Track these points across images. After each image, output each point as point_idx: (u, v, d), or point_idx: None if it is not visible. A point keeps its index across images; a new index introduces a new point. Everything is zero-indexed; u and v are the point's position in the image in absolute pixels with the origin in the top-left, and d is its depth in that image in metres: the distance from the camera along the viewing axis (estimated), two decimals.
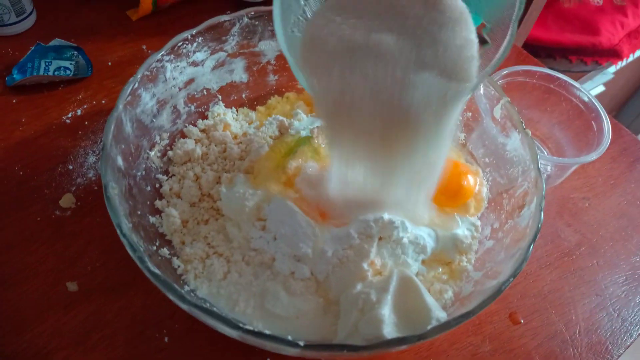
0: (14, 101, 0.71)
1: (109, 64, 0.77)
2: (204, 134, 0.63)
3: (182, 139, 0.61)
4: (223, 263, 0.51)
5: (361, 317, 0.44)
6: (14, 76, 0.72)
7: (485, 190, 0.59)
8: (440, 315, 0.44)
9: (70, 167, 0.64)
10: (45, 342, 0.52)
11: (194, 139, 0.62)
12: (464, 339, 0.57)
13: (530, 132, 0.53)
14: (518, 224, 0.50)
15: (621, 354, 0.60)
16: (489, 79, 0.58)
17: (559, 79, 0.74)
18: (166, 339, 0.53)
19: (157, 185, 0.58)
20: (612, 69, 1.41)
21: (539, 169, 0.51)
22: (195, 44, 0.59)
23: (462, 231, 0.55)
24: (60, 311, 0.54)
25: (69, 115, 0.70)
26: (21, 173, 0.63)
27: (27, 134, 0.68)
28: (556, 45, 1.34)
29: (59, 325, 0.53)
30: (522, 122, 0.54)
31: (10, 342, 0.51)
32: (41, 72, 0.73)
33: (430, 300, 0.46)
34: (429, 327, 0.40)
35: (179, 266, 0.51)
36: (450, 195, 0.57)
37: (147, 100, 0.56)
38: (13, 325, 0.52)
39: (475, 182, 0.60)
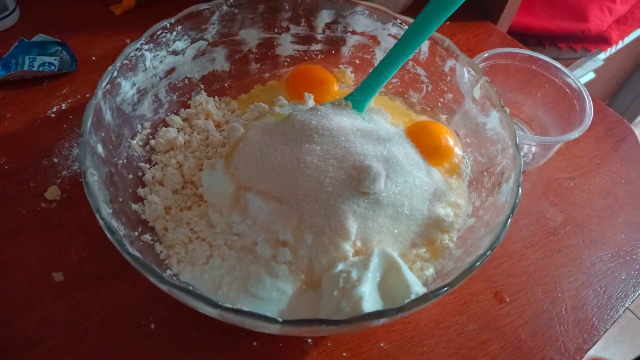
0: None
1: (93, 58, 0.78)
2: (186, 122, 0.63)
3: (164, 128, 0.61)
4: (206, 248, 0.51)
5: (342, 296, 0.45)
6: None
7: (461, 154, 0.61)
8: (419, 290, 0.45)
9: (55, 160, 0.65)
10: (33, 331, 0.52)
11: (177, 128, 0.62)
12: (450, 318, 0.57)
13: (508, 110, 0.54)
14: (497, 201, 0.51)
15: (607, 329, 0.60)
16: (469, 61, 0.58)
17: (540, 60, 0.74)
18: (152, 326, 0.53)
19: (140, 174, 0.58)
20: (602, 55, 1.41)
21: (517, 145, 0.51)
22: (174, 33, 0.59)
23: (444, 210, 0.55)
24: (47, 301, 0.54)
25: (54, 109, 0.70)
26: (6, 167, 0.64)
27: (12, 128, 0.68)
28: (545, 32, 1.34)
29: (47, 315, 0.53)
30: (500, 101, 0.55)
31: None
32: (25, 68, 0.73)
33: (410, 276, 0.46)
34: (407, 301, 0.40)
35: (161, 251, 0.51)
36: (428, 154, 0.59)
37: (127, 89, 0.56)
38: (1, 316, 0.53)
39: (455, 143, 0.61)
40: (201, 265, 0.50)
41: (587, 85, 0.73)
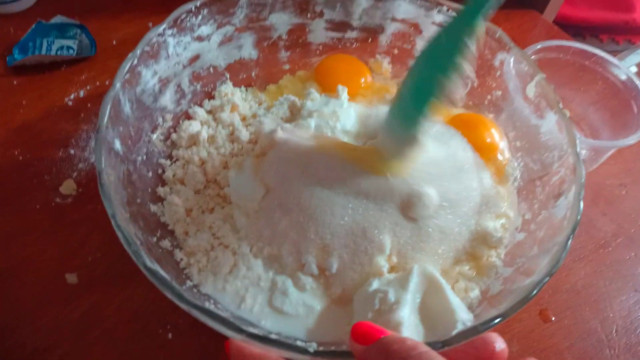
0: (15, 82, 0.68)
1: (114, 42, 0.74)
2: (210, 115, 0.59)
3: (186, 121, 0.57)
4: (229, 256, 0.47)
5: (378, 318, 0.40)
6: (15, 56, 0.69)
7: (508, 155, 0.56)
8: (466, 317, 0.40)
9: (72, 151, 0.61)
10: (43, 338, 0.49)
11: (200, 121, 0.57)
12: None
13: (568, 113, 0.48)
14: (553, 215, 0.46)
15: None
16: (523, 54, 0.53)
17: (595, 55, 0.68)
18: (170, 335, 0.50)
19: (160, 171, 0.54)
20: None
21: (577, 153, 0.46)
22: (200, 17, 0.55)
23: (492, 223, 0.50)
24: (59, 305, 0.51)
25: (72, 97, 0.67)
26: (20, 158, 0.60)
27: (27, 116, 0.65)
28: (585, 24, 1.27)
29: (58, 319, 0.50)
30: (559, 102, 0.49)
31: (7, 338, 0.49)
32: (43, 52, 0.70)
33: (454, 299, 0.41)
34: (454, 332, 0.36)
35: (181, 259, 0.47)
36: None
37: (148, 78, 0.52)
38: (11, 320, 0.50)
39: (501, 137, 0.56)
40: (224, 276, 0.46)
41: None
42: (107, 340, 0.49)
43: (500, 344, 0.34)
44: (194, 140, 0.55)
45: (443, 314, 0.40)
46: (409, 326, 0.39)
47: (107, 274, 0.53)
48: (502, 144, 0.56)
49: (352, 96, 0.60)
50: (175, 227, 0.50)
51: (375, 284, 0.43)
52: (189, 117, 0.58)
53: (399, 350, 0.30)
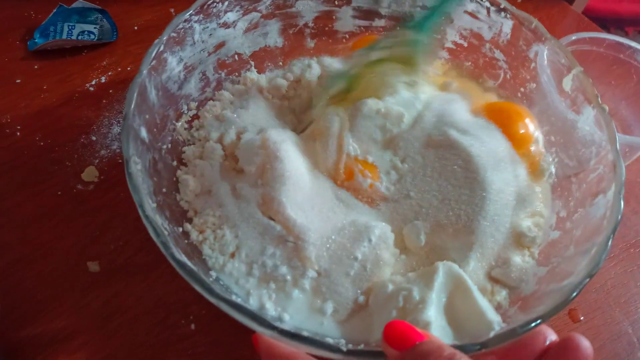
0: (36, 67, 0.67)
1: (135, 28, 0.73)
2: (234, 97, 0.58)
3: (211, 101, 0.56)
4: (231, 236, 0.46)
5: (404, 317, 0.39)
6: (36, 40, 0.68)
7: (542, 149, 0.54)
8: (495, 319, 0.38)
9: (94, 138, 0.60)
10: (63, 325, 0.48)
11: (224, 103, 0.56)
12: None
13: (607, 108, 0.46)
14: (591, 214, 0.44)
15: None
16: (559, 45, 0.51)
17: (631, 47, 0.66)
18: (192, 326, 0.49)
19: (184, 159, 0.53)
20: None
21: (617, 150, 0.44)
22: (226, 3, 0.53)
23: (526, 222, 0.48)
24: (79, 292, 0.50)
25: (93, 82, 0.66)
26: (41, 143, 0.60)
27: (48, 102, 0.64)
28: (613, 15, 1.24)
29: (78, 308, 0.50)
30: (597, 96, 0.47)
31: (26, 325, 0.48)
32: (64, 36, 0.69)
33: (483, 302, 0.40)
34: (491, 334, 0.34)
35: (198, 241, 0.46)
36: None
37: (174, 65, 0.50)
38: (30, 306, 0.49)
39: (536, 128, 0.54)
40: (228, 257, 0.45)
41: None
42: (128, 331, 0.49)
43: (551, 335, 0.34)
44: (218, 120, 0.54)
45: (471, 315, 0.39)
46: (436, 327, 0.38)
47: (129, 263, 0.52)
48: (537, 135, 0.54)
49: None
50: (189, 208, 0.49)
51: (398, 279, 0.42)
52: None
53: None
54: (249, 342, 0.39)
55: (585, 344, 0.34)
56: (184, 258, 0.37)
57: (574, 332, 0.35)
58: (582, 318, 0.55)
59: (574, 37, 0.63)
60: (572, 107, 0.50)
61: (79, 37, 0.69)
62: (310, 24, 0.62)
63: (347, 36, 0.64)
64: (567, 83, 0.50)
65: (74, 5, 0.71)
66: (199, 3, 0.51)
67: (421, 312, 0.38)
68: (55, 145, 0.60)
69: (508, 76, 0.58)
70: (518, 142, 0.53)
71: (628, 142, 0.61)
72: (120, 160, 0.59)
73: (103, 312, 0.49)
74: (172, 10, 0.74)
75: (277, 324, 0.33)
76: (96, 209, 0.55)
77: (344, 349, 0.33)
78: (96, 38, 0.70)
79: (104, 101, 0.64)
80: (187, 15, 0.50)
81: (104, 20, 0.72)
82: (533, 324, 0.35)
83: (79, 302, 0.50)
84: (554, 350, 0.34)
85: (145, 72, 0.45)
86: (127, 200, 0.54)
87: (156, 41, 0.47)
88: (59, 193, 0.56)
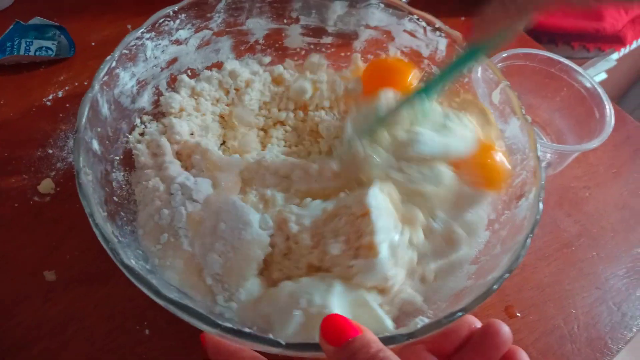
0: None
1: (93, 44, 0.74)
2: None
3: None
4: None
5: (308, 315, 0.42)
6: None
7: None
8: (391, 326, 0.42)
9: (50, 151, 0.62)
10: (21, 334, 0.50)
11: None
12: None
13: (530, 118, 0.51)
14: (515, 216, 0.48)
15: (620, 349, 0.58)
16: (488, 62, 0.55)
17: (560, 62, 0.71)
18: (147, 331, 0.51)
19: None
20: (615, 55, 1.37)
21: (538, 157, 0.48)
22: (177, 21, 0.56)
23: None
24: (38, 301, 0.52)
25: (50, 97, 0.67)
26: None
27: (6, 116, 0.65)
28: (559, 31, 1.31)
29: (36, 316, 0.51)
30: (521, 108, 0.52)
31: None
32: (22, 52, 0.70)
33: (380, 310, 0.43)
34: (419, 325, 0.38)
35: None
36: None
37: (127, 80, 0.53)
38: None
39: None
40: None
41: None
42: (86, 337, 0.50)
43: (476, 323, 0.38)
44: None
45: (369, 321, 0.42)
46: None
47: (85, 272, 0.54)
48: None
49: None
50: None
51: (289, 286, 0.44)
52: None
53: (363, 359, 0.31)
54: (200, 345, 0.41)
55: (504, 329, 0.37)
56: (132, 263, 0.39)
57: (494, 319, 0.38)
58: (518, 314, 0.58)
59: (505, 54, 0.68)
60: (501, 118, 0.54)
61: (37, 53, 0.70)
62: (261, 41, 0.65)
63: (297, 51, 0.67)
64: (496, 96, 0.54)
65: (31, 21, 0.73)
66: (150, 21, 0.53)
67: (327, 308, 0.41)
68: (12, 159, 0.61)
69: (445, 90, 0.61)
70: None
71: (559, 150, 0.66)
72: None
73: (61, 319, 0.51)
74: (129, 26, 0.76)
75: (220, 322, 0.36)
76: (53, 220, 0.57)
77: (283, 342, 0.35)
78: (54, 54, 0.71)
79: (61, 115, 0.65)
80: (138, 33, 0.52)
81: (62, 36, 0.73)
82: (456, 315, 0.38)
83: (37, 310, 0.51)
84: (476, 335, 0.38)
85: (97, 86, 0.47)
86: (83, 212, 0.56)
87: (108, 57, 0.49)
88: (16, 205, 0.57)
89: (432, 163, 0.50)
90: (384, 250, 0.43)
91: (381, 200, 0.46)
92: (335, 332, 0.33)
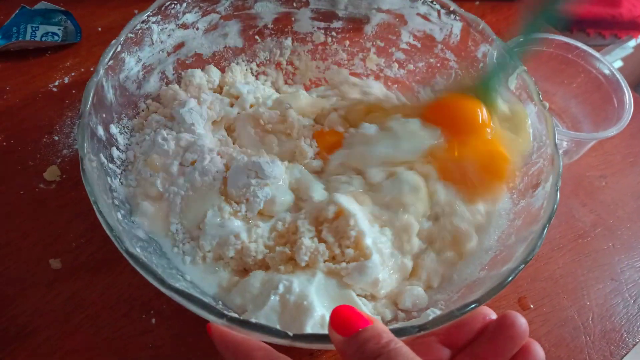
0: None
1: (99, 29, 0.73)
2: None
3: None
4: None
5: (284, 301, 0.42)
6: None
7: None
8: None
9: (56, 138, 0.61)
10: (26, 322, 0.49)
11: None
12: None
13: (547, 105, 0.49)
14: (531, 205, 0.46)
15: (637, 342, 0.56)
16: (505, 46, 0.53)
17: (578, 48, 0.69)
18: (153, 320, 0.50)
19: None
20: (632, 43, 1.34)
21: (556, 145, 0.47)
22: (184, 5, 0.55)
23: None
24: (43, 289, 0.51)
25: (56, 83, 0.66)
26: (4, 144, 0.60)
27: (11, 102, 0.64)
28: (573, 17, 1.28)
29: (42, 304, 0.51)
30: (539, 94, 0.50)
31: None
32: (27, 37, 0.69)
33: (360, 302, 0.44)
34: (431, 317, 0.36)
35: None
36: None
37: (132, 65, 0.52)
38: None
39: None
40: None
41: None
42: (91, 326, 0.50)
43: (491, 315, 0.37)
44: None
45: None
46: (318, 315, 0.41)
47: (91, 260, 0.53)
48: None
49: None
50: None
51: (262, 274, 0.45)
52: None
53: (373, 349, 0.30)
54: (207, 334, 0.41)
55: (520, 320, 0.36)
56: (137, 251, 0.38)
57: (510, 310, 0.37)
58: (531, 306, 0.57)
59: (522, 38, 0.66)
60: None
61: (43, 39, 0.69)
62: (270, 25, 0.63)
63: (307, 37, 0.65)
64: (512, 82, 0.53)
65: (36, 6, 0.72)
66: (156, 4, 0.52)
67: (305, 300, 0.41)
68: (18, 145, 0.60)
69: (459, 76, 0.60)
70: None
71: (575, 138, 0.64)
72: None
73: (66, 308, 0.50)
74: (135, 11, 0.75)
75: (226, 312, 0.35)
76: (58, 207, 0.56)
77: (291, 334, 0.34)
78: (60, 39, 0.70)
79: (67, 101, 0.64)
80: (144, 17, 0.51)
81: (68, 21, 0.72)
82: (470, 307, 0.37)
83: (42, 298, 0.51)
84: (491, 327, 0.36)
85: (102, 72, 0.46)
86: (89, 199, 0.56)
87: (113, 42, 0.48)
88: (22, 192, 0.57)
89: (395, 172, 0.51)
90: (374, 253, 0.45)
91: (352, 203, 0.48)
92: (345, 322, 0.33)
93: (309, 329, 0.40)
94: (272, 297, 0.41)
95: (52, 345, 0.48)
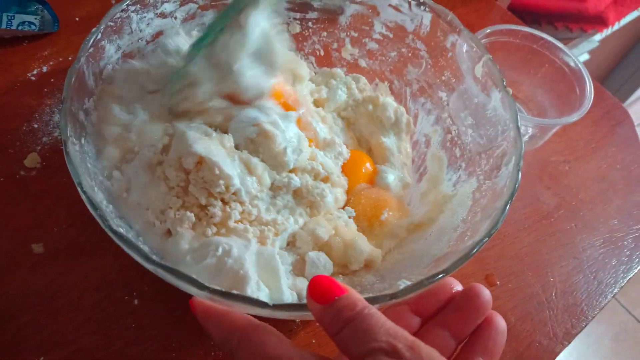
0: None
1: (77, 19, 0.74)
2: None
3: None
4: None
5: (220, 265, 0.44)
6: None
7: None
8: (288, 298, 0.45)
9: (36, 125, 0.62)
10: (8, 304, 0.50)
11: None
12: None
13: (511, 91, 0.52)
14: (496, 185, 0.49)
15: (595, 314, 0.60)
16: (472, 37, 0.56)
17: (542, 39, 0.72)
18: (136, 301, 0.52)
19: None
20: (598, 36, 1.39)
21: (518, 128, 0.49)
22: None
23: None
24: (26, 272, 0.52)
25: (34, 72, 0.67)
26: None
27: None
28: (542, 11, 1.32)
29: (24, 287, 0.51)
30: (503, 80, 0.53)
31: None
32: (3, 26, 0.69)
33: (284, 280, 0.46)
34: (401, 287, 0.39)
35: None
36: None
37: (112, 53, 0.53)
38: None
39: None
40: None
41: None
42: (73, 308, 0.51)
43: (457, 286, 0.39)
44: None
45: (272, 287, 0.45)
46: (253, 283, 0.43)
47: (73, 245, 0.54)
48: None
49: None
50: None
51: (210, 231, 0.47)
52: None
53: (349, 315, 0.33)
54: (190, 314, 0.42)
55: (484, 292, 0.38)
56: (121, 230, 0.40)
57: (475, 283, 0.40)
58: (498, 282, 0.60)
59: (488, 30, 0.69)
60: (484, 91, 0.55)
61: (19, 28, 0.70)
62: None
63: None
64: (479, 70, 0.55)
65: None
66: None
67: (241, 266, 0.44)
68: None
69: (429, 65, 0.62)
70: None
71: (540, 124, 0.67)
72: (62, 147, 0.60)
73: (48, 291, 0.51)
74: (113, 1, 0.76)
75: (208, 284, 0.37)
76: (40, 193, 0.57)
77: (271, 304, 0.37)
78: (37, 28, 0.70)
79: (46, 90, 0.65)
80: (124, 6, 0.52)
81: (45, 11, 0.72)
82: (438, 277, 0.39)
83: (25, 282, 0.51)
84: (458, 298, 0.39)
85: (83, 59, 0.47)
86: (70, 185, 0.56)
87: (94, 30, 0.49)
88: (2, 179, 0.57)
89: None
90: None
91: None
92: (322, 291, 0.35)
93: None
94: (209, 258, 0.44)
95: (36, 326, 0.49)
